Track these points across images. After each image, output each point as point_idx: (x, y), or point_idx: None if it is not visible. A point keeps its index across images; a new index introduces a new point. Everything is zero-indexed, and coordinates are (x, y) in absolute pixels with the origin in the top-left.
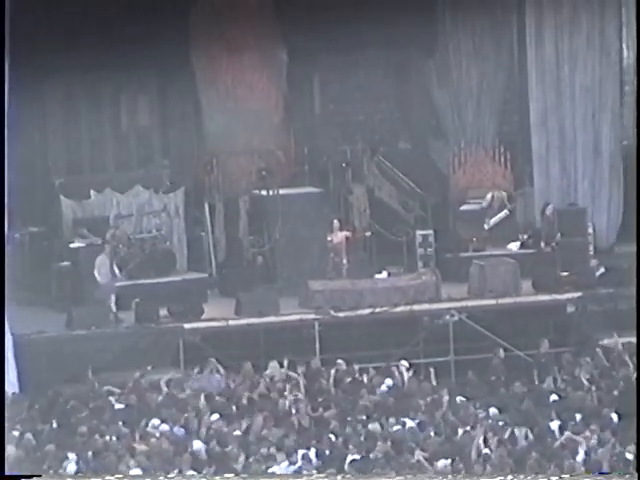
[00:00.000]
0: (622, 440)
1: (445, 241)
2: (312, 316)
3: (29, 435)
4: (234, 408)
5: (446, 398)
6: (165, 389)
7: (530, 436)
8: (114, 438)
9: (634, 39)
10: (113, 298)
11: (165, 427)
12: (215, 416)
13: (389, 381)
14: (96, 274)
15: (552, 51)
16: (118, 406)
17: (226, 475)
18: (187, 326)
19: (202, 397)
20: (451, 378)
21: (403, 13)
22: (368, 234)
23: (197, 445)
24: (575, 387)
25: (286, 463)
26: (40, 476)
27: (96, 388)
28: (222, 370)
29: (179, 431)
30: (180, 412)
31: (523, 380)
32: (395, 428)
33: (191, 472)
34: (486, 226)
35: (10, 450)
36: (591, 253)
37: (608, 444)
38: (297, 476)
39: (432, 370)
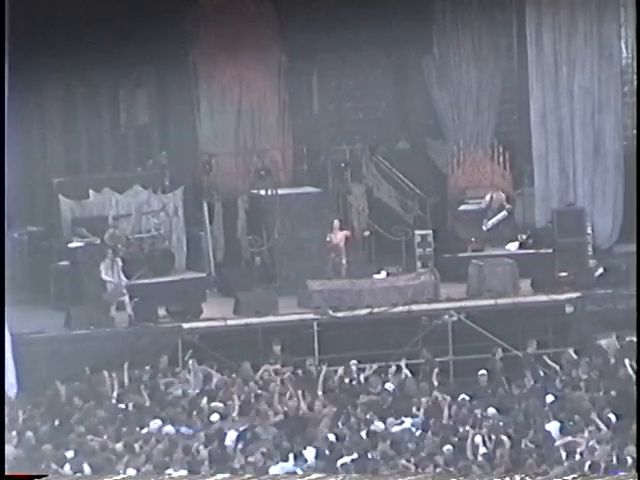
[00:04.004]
0: (621, 440)
1: (444, 241)
2: (311, 316)
3: (28, 435)
4: (233, 408)
5: (445, 398)
6: (163, 388)
7: (529, 436)
8: (113, 438)
9: (633, 39)
10: (120, 300)
11: (164, 427)
12: (215, 416)
13: (388, 381)
14: (105, 278)
15: (551, 51)
16: (117, 406)
17: (225, 475)
18: (186, 326)
19: (203, 397)
20: (450, 378)
21: (402, 13)
22: (367, 234)
23: (196, 445)
24: (574, 387)
25: (285, 463)
26: (40, 476)
27: (94, 388)
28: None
29: (178, 431)
30: (179, 412)
31: (521, 380)
32: (394, 428)
33: (190, 472)
34: (485, 227)
35: (10, 450)
36: (590, 253)
37: (607, 444)
38: (296, 476)
39: (432, 370)
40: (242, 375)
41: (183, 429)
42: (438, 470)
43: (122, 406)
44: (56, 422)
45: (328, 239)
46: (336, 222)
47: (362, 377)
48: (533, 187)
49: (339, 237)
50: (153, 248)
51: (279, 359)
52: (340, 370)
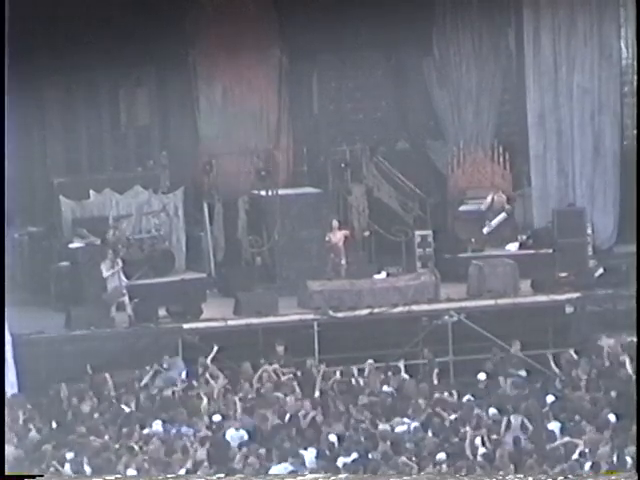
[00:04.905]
0: (621, 440)
1: (444, 241)
2: (311, 316)
3: (28, 435)
4: (234, 408)
5: (445, 398)
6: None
7: (529, 436)
8: (113, 438)
9: (633, 39)
10: (120, 301)
11: (164, 427)
12: (215, 417)
13: (388, 381)
14: (107, 274)
15: (550, 51)
16: (117, 406)
17: (225, 475)
18: (186, 326)
19: (204, 398)
20: (450, 378)
21: (403, 14)
22: (367, 234)
23: (196, 445)
24: (574, 388)
25: (285, 463)
26: (40, 476)
27: (95, 388)
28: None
29: (178, 431)
30: (179, 412)
31: (520, 381)
32: (394, 428)
33: (190, 472)
34: (485, 230)
35: (10, 450)
36: (590, 254)
37: (607, 444)
38: (296, 476)
39: (431, 370)
40: (242, 375)
41: (183, 429)
42: (438, 470)
43: (122, 406)
44: (56, 422)
45: (327, 239)
46: (334, 222)
47: (362, 377)
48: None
49: (338, 237)
50: (153, 248)
51: (280, 359)
52: (340, 370)
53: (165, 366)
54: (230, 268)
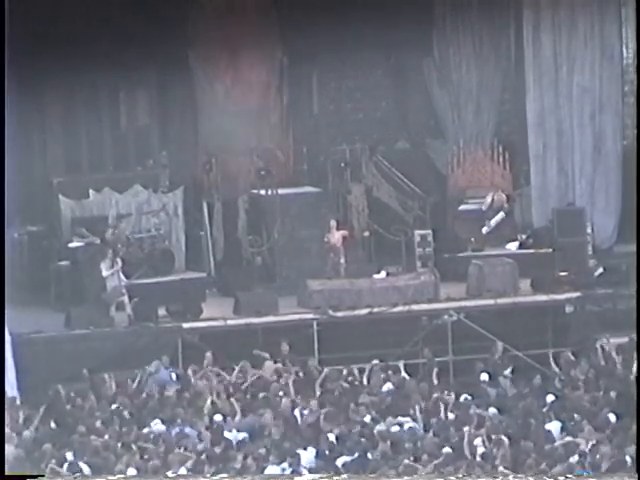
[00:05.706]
0: (621, 440)
1: (444, 241)
2: (311, 316)
3: (28, 435)
4: (233, 408)
5: (444, 398)
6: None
7: (529, 436)
8: (113, 438)
9: (634, 39)
10: (120, 300)
11: (163, 427)
12: (215, 417)
13: (388, 381)
14: (104, 276)
15: (550, 51)
16: (117, 406)
17: (225, 475)
18: (185, 326)
19: (205, 398)
20: (449, 378)
21: (403, 14)
22: (366, 234)
23: (196, 445)
24: (573, 387)
25: (284, 463)
26: (40, 476)
27: (94, 387)
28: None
29: (177, 431)
30: (178, 412)
31: (522, 380)
32: (393, 428)
33: (190, 472)
34: (485, 230)
35: (10, 450)
36: (590, 253)
37: (607, 445)
38: (295, 476)
39: (431, 370)
40: (242, 375)
41: (183, 429)
42: (438, 470)
43: (121, 406)
44: (56, 422)
45: (326, 239)
46: (332, 222)
47: (362, 377)
48: (531, 187)
49: (336, 237)
50: (153, 248)
51: (279, 359)
52: (340, 370)
53: (152, 369)
54: (230, 268)
